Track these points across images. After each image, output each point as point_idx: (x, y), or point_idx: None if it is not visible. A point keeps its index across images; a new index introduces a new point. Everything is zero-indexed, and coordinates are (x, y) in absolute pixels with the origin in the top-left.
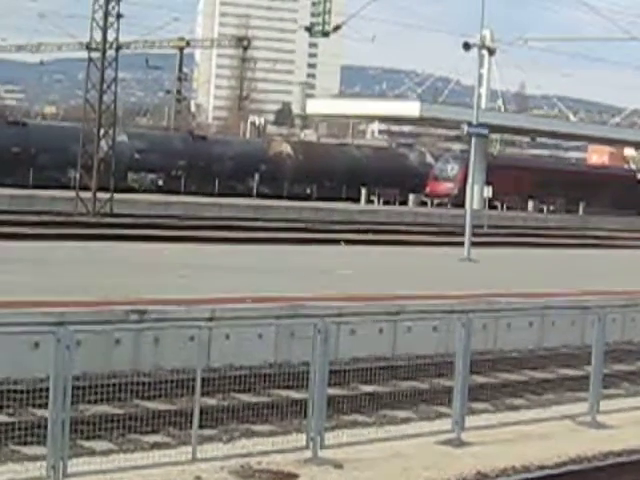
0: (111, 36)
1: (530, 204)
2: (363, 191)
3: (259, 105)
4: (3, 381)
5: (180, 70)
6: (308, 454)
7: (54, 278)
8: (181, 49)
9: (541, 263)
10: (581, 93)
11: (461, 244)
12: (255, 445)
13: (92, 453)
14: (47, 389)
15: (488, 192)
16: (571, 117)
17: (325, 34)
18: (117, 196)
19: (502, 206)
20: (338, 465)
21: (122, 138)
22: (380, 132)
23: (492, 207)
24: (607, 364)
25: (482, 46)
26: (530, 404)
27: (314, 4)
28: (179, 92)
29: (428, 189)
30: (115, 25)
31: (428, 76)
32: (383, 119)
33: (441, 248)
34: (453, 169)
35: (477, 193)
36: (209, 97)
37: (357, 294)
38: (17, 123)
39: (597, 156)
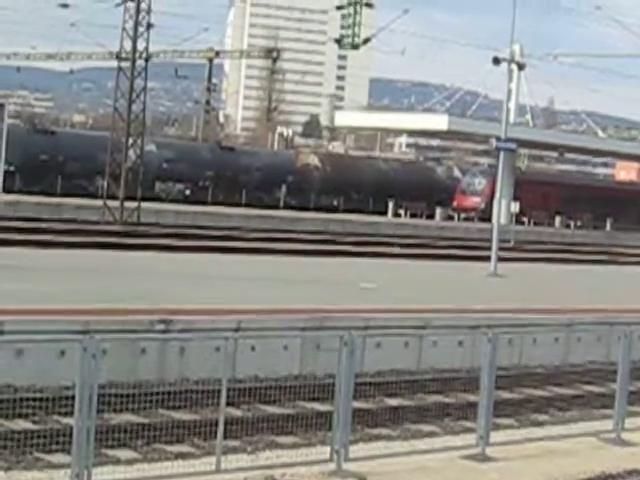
0: (141, 45)
1: (557, 220)
2: (390, 204)
3: (287, 116)
4: (29, 388)
5: (209, 80)
6: (332, 467)
7: (82, 285)
8: (210, 59)
9: (567, 279)
10: (610, 109)
11: (488, 258)
12: (279, 457)
13: (117, 462)
14: (73, 397)
15: (515, 207)
16: (599, 133)
17: (354, 47)
18: (144, 205)
19: (529, 221)
20: (362, 478)
21: (150, 147)
22: (408, 145)
23: (519, 222)
24: (632, 381)
25: (512, 61)
26: (555, 420)
27: (344, 17)
28: (208, 102)
29: (455, 203)
30: (145, 35)
31: (457, 90)
32: (411, 132)
33: (467, 262)
34: (480, 183)
35: (504, 208)
36: (237, 108)
37: (382, 307)
38: (46, 131)
39: (625, 172)
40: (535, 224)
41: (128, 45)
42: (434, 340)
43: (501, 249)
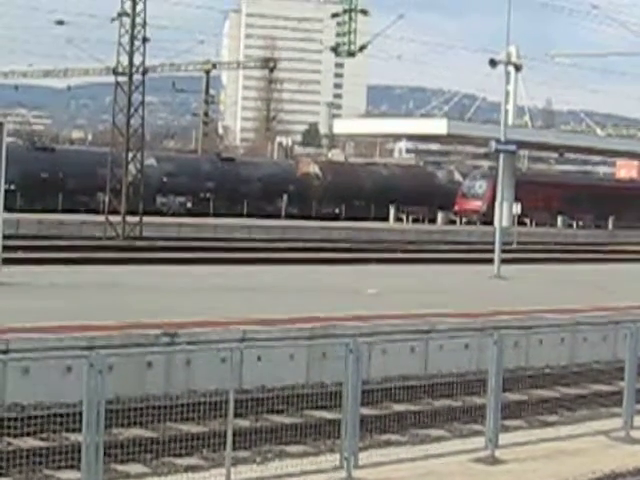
0: (137, 60)
1: (559, 220)
2: (392, 210)
3: (286, 126)
4: (36, 406)
5: (207, 93)
6: (342, 474)
7: (86, 302)
8: (207, 72)
9: (571, 279)
10: (608, 108)
11: (491, 261)
12: (289, 466)
13: (126, 476)
14: (80, 413)
15: (517, 209)
16: (599, 132)
17: (351, 54)
18: (146, 219)
19: (531, 222)
20: None
21: (150, 162)
22: (408, 151)
23: (521, 223)
24: None
25: (508, 63)
26: (564, 420)
27: (339, 24)
28: (206, 114)
29: (457, 207)
30: (141, 49)
31: (454, 94)
32: (411, 137)
33: (470, 266)
34: (481, 186)
35: (506, 210)
36: (236, 119)
37: (386, 313)
38: (45, 149)
39: (625, 170)
40: (537, 225)
41: (125, 60)
42: (440, 344)
43: (504, 251)
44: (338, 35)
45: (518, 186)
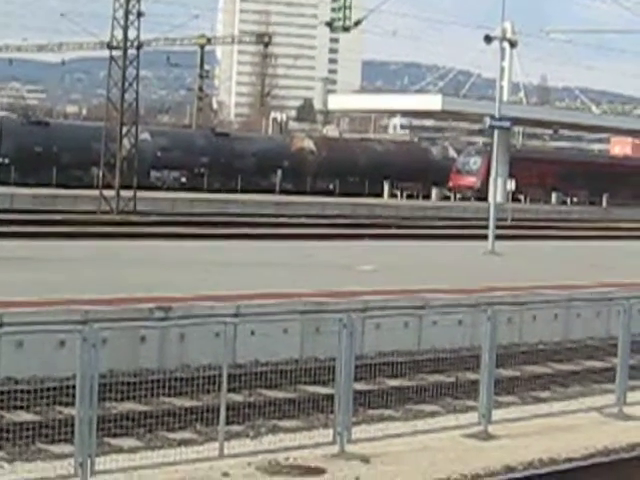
0: (132, 34)
1: (554, 197)
2: (386, 186)
3: (281, 101)
4: (30, 380)
5: (201, 67)
6: (335, 449)
7: (79, 276)
8: (202, 46)
9: (565, 255)
10: (603, 85)
11: (485, 237)
12: (282, 441)
13: (119, 450)
14: (74, 387)
15: (511, 185)
16: (593, 109)
17: (346, 29)
18: (140, 194)
19: (525, 199)
20: (365, 460)
21: (144, 136)
22: (402, 127)
23: (515, 200)
24: (633, 355)
25: (503, 39)
26: (557, 396)
27: None
28: (201, 89)
29: (451, 183)
30: (136, 23)
31: (449, 70)
32: (405, 113)
33: (465, 242)
34: (476, 162)
35: (500, 186)
36: (231, 94)
37: (381, 289)
38: (40, 123)
39: (620, 147)
40: (531, 201)
41: (119, 34)
42: (434, 320)
43: (498, 227)
44: (333, 10)
45: (512, 162)
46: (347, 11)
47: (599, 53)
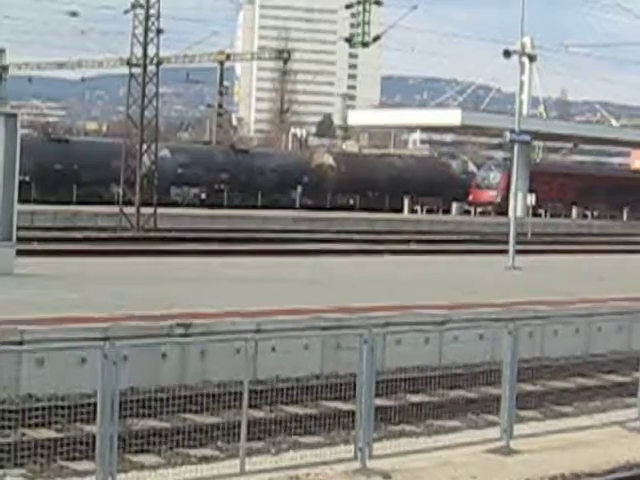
0: (151, 51)
1: (574, 211)
2: (406, 201)
3: (300, 117)
4: (51, 397)
5: (221, 84)
6: (356, 465)
7: (100, 293)
8: (221, 63)
9: (586, 269)
10: (624, 99)
11: (505, 252)
12: (303, 457)
13: (141, 467)
14: (95, 404)
15: (531, 199)
16: (613, 122)
17: (365, 45)
18: (160, 211)
19: (546, 213)
20: (386, 475)
21: (164, 153)
22: (422, 142)
23: (536, 214)
24: None
25: (522, 53)
26: (579, 411)
27: (353, 15)
28: (220, 106)
29: (471, 197)
30: (155, 40)
31: (469, 84)
32: (425, 128)
33: (485, 256)
34: (495, 177)
35: (520, 201)
36: (250, 110)
37: (401, 304)
38: (60, 140)
39: None
40: (552, 216)
41: (139, 51)
42: (455, 335)
43: (519, 242)
44: (352, 26)
45: (532, 177)
46: (366, 27)
47: (619, 67)
